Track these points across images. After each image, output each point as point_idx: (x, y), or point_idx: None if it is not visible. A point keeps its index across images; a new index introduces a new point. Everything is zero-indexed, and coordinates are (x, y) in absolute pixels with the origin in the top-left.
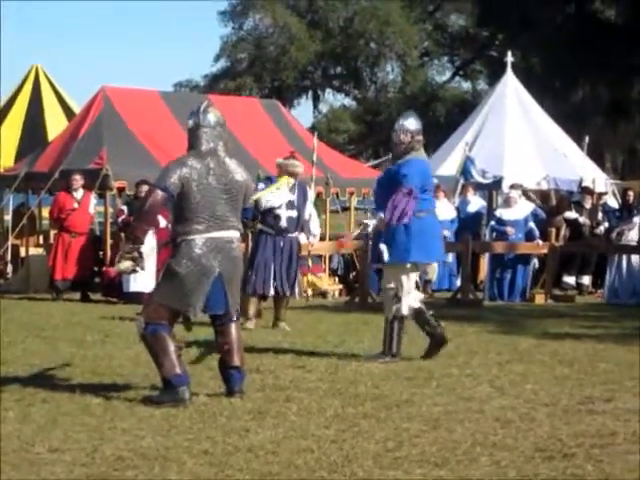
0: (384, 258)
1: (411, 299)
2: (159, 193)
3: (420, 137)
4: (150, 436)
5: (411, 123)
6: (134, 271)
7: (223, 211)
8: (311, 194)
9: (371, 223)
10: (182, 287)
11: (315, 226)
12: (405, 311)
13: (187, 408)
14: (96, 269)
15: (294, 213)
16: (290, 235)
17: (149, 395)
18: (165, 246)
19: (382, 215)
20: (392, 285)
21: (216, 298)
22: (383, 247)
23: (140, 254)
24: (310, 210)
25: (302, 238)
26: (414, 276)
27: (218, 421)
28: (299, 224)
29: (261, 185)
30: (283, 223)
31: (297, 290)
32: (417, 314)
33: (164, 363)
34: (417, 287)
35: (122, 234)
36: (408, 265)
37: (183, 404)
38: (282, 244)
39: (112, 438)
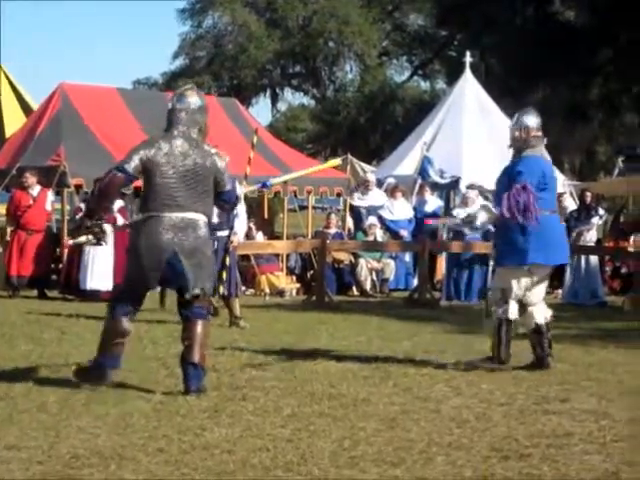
0: (498, 260)
1: (537, 312)
2: (117, 174)
3: (538, 133)
4: (106, 434)
5: (528, 119)
6: (98, 244)
7: (182, 194)
8: (241, 190)
9: (480, 216)
10: (137, 263)
11: (239, 224)
12: (512, 315)
13: (140, 405)
14: (53, 266)
15: (253, 187)
16: (222, 234)
17: (82, 369)
18: (122, 230)
19: (492, 208)
20: (499, 286)
21: (171, 275)
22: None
23: (102, 229)
24: (240, 206)
25: (236, 238)
26: (527, 280)
27: (174, 420)
28: (230, 220)
29: None
30: (214, 219)
31: (234, 288)
32: (536, 331)
33: (101, 343)
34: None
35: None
36: (526, 268)
37: (103, 381)
38: (216, 244)
39: (68, 436)
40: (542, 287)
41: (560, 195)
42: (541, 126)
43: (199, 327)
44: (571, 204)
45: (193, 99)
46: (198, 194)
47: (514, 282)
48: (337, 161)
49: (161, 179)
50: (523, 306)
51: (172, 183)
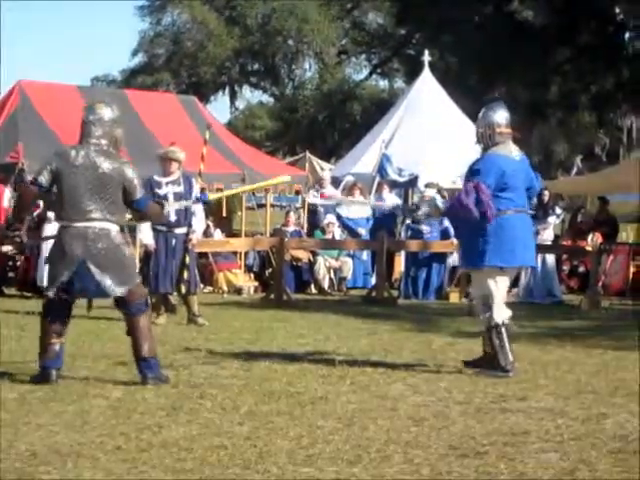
0: (462, 262)
1: (496, 310)
2: (30, 187)
3: (504, 130)
4: (64, 432)
5: (494, 115)
6: (19, 254)
7: (90, 204)
8: (197, 187)
9: (423, 208)
10: (53, 269)
11: (197, 222)
12: (499, 319)
13: (98, 403)
14: (10, 263)
15: (184, 203)
16: (180, 231)
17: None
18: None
19: (439, 203)
20: (479, 293)
21: (84, 283)
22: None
23: (21, 240)
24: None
25: (195, 236)
26: (503, 280)
27: (131, 417)
28: (188, 217)
29: None
30: (172, 217)
31: (193, 286)
32: (489, 329)
33: (40, 348)
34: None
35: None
36: (490, 269)
37: (48, 382)
38: (174, 242)
39: (26, 434)
40: (505, 288)
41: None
42: (509, 121)
43: (140, 322)
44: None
45: (105, 111)
46: (108, 203)
47: (492, 285)
48: (287, 177)
49: (70, 188)
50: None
51: (81, 192)
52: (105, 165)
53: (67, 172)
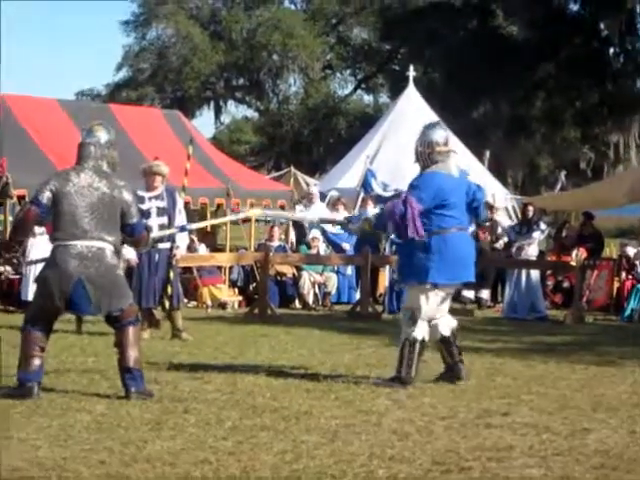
0: (400, 277)
1: (442, 324)
2: (32, 208)
3: (443, 148)
4: (47, 446)
5: (433, 134)
6: (16, 274)
7: (89, 223)
8: (180, 202)
9: (355, 221)
10: (45, 289)
11: (181, 238)
12: (419, 335)
13: (82, 417)
14: None
15: (165, 220)
16: (164, 246)
17: (8, 389)
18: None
19: (369, 216)
20: (408, 306)
21: (79, 301)
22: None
23: (19, 261)
24: (181, 218)
25: (179, 252)
26: (436, 298)
27: (116, 432)
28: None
29: None
30: (155, 233)
31: (176, 301)
32: (443, 342)
33: (20, 361)
34: (470, 314)
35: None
36: (427, 286)
37: (29, 397)
38: (157, 257)
39: (9, 448)
40: (447, 302)
41: (491, 210)
42: (448, 140)
43: (129, 332)
44: (505, 219)
45: (102, 134)
46: (105, 224)
47: (423, 301)
48: (259, 210)
49: (69, 209)
50: (428, 320)
51: (80, 213)
52: (104, 187)
53: (67, 192)
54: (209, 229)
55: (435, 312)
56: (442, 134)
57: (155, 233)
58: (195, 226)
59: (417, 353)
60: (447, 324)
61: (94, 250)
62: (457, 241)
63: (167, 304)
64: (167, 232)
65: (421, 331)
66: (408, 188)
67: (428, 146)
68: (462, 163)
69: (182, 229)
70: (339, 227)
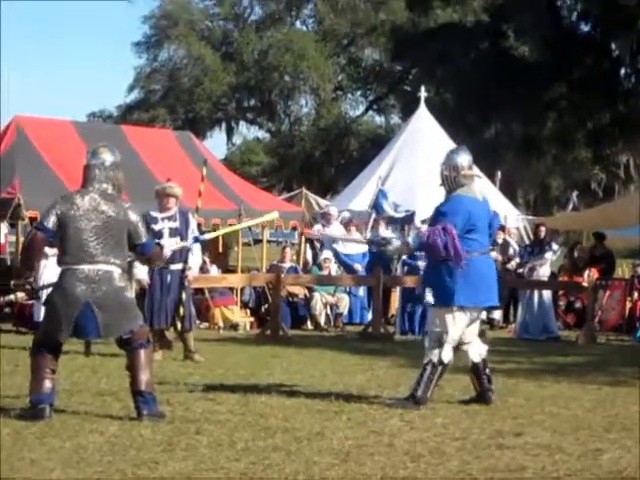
0: (428, 300)
1: (472, 351)
2: (37, 234)
3: (468, 172)
4: (59, 468)
5: (458, 158)
6: (31, 299)
7: (95, 247)
8: (193, 223)
9: (394, 243)
10: (53, 314)
11: (194, 259)
12: (445, 358)
13: (94, 439)
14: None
15: (177, 241)
16: (176, 267)
17: (20, 410)
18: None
19: (410, 240)
20: (436, 329)
21: (87, 325)
22: (427, 289)
23: (31, 286)
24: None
25: (191, 273)
26: (462, 321)
27: (128, 453)
28: (183, 253)
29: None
30: (167, 252)
31: (188, 322)
32: (473, 369)
33: (31, 383)
34: (481, 335)
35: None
36: (454, 308)
37: (42, 418)
38: (169, 278)
39: (21, 469)
40: (475, 326)
41: (502, 230)
42: (472, 164)
43: (141, 356)
44: (513, 243)
45: (107, 156)
46: (112, 246)
47: (450, 324)
48: (275, 214)
49: (75, 232)
50: (457, 345)
51: (86, 236)
52: (110, 209)
53: (73, 216)
54: (221, 250)
55: (462, 335)
56: (467, 158)
57: (168, 251)
58: (208, 236)
59: (438, 376)
60: (477, 351)
61: (101, 273)
62: (481, 264)
63: (179, 325)
64: (180, 244)
65: (447, 354)
66: (435, 213)
67: (454, 170)
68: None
69: (196, 240)
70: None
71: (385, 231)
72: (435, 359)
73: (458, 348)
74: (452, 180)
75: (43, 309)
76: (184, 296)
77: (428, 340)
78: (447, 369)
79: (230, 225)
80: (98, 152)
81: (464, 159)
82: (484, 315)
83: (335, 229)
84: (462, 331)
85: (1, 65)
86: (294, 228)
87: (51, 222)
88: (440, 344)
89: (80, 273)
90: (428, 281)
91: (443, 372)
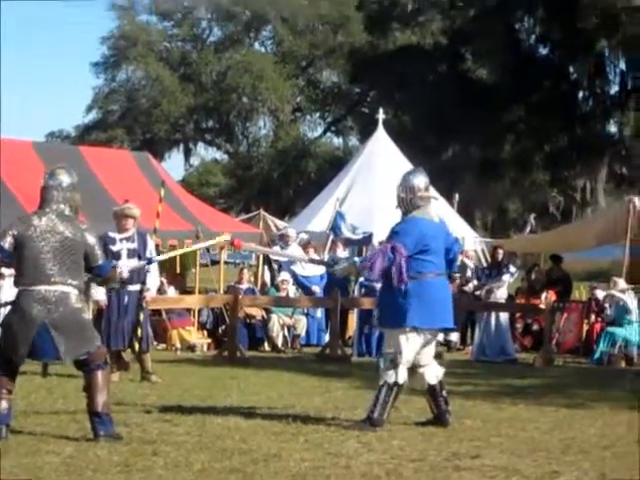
0: (379, 321)
1: (428, 373)
2: None
3: (424, 194)
4: None
5: (415, 179)
6: None
7: (52, 268)
8: (151, 244)
9: (341, 264)
10: (9, 335)
11: (152, 279)
12: (400, 379)
13: (50, 459)
14: None
15: (135, 262)
16: (133, 288)
17: None
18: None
19: (357, 260)
20: (390, 350)
21: (43, 346)
22: (376, 311)
23: None
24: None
25: (149, 294)
26: (416, 342)
27: (84, 474)
28: (141, 274)
29: None
30: (125, 274)
31: (146, 343)
32: (430, 391)
33: None
34: (439, 357)
35: None
36: (407, 329)
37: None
38: (127, 299)
39: None
40: (431, 348)
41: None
42: (429, 186)
43: (98, 377)
44: (470, 264)
45: (64, 177)
46: (68, 267)
47: (404, 345)
48: (226, 236)
49: (32, 253)
50: (414, 368)
51: (42, 257)
52: (67, 230)
53: (30, 237)
54: (178, 271)
55: (418, 357)
56: (423, 180)
57: (125, 273)
58: (162, 257)
59: (393, 397)
60: (434, 373)
61: (58, 294)
62: (435, 286)
63: (137, 346)
64: (136, 265)
65: (402, 375)
66: (390, 234)
67: (410, 191)
68: (439, 210)
69: (149, 261)
70: (314, 267)
71: (343, 253)
72: (390, 380)
73: (414, 370)
74: (408, 202)
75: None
76: (142, 317)
77: (383, 361)
78: (402, 390)
79: (187, 247)
80: (55, 173)
81: (420, 181)
82: (441, 337)
83: (294, 250)
84: (416, 352)
85: None
86: (251, 251)
87: (8, 242)
88: (395, 365)
89: (37, 294)
90: (382, 302)
91: (398, 393)
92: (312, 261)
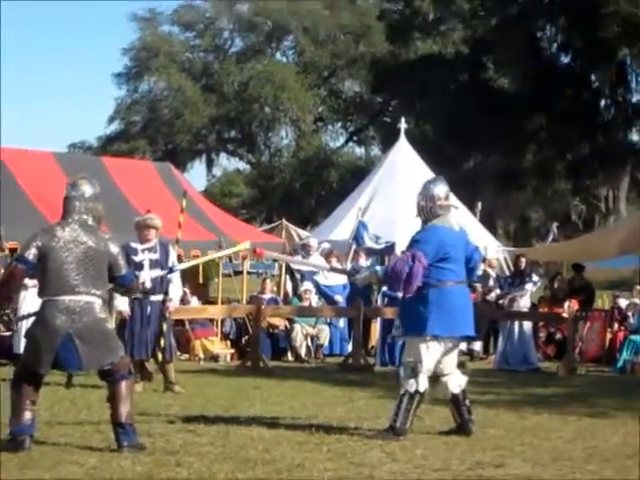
0: (400, 331)
1: (451, 382)
2: (18, 266)
3: (444, 202)
4: None
5: (435, 188)
6: (9, 330)
7: (76, 278)
8: (173, 254)
9: (362, 272)
10: (34, 346)
11: (175, 289)
12: (421, 388)
13: (74, 470)
14: None
15: (158, 272)
16: (156, 298)
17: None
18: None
19: (378, 269)
20: (411, 359)
21: (67, 357)
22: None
23: (9, 318)
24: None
25: (172, 304)
26: (436, 350)
27: None
28: (164, 284)
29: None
30: (148, 284)
31: (169, 354)
32: (453, 400)
33: (12, 414)
34: (461, 366)
35: None
36: (427, 338)
37: (22, 449)
38: (149, 309)
39: None
40: (453, 357)
41: (482, 262)
42: (449, 194)
43: (122, 387)
44: (492, 273)
45: (86, 187)
46: (92, 277)
47: (424, 353)
48: (246, 244)
49: (56, 264)
50: (436, 377)
51: (66, 268)
52: (90, 240)
53: (53, 248)
54: (201, 281)
55: (440, 366)
56: (443, 189)
57: (148, 284)
58: (184, 266)
59: (415, 406)
60: (457, 382)
61: (82, 304)
62: (455, 294)
63: (160, 357)
64: (159, 273)
65: (423, 384)
66: (411, 242)
67: (430, 200)
68: (459, 219)
69: (171, 270)
70: (336, 277)
71: (365, 262)
72: (411, 389)
73: (437, 379)
74: (428, 210)
75: (23, 340)
76: (165, 327)
77: (403, 370)
78: (424, 399)
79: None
80: (78, 184)
81: (441, 189)
82: (464, 346)
83: (316, 260)
84: (437, 361)
85: None
86: (274, 260)
87: (31, 254)
88: (415, 374)
89: (61, 304)
90: (403, 311)
91: (420, 402)
92: (333, 269)
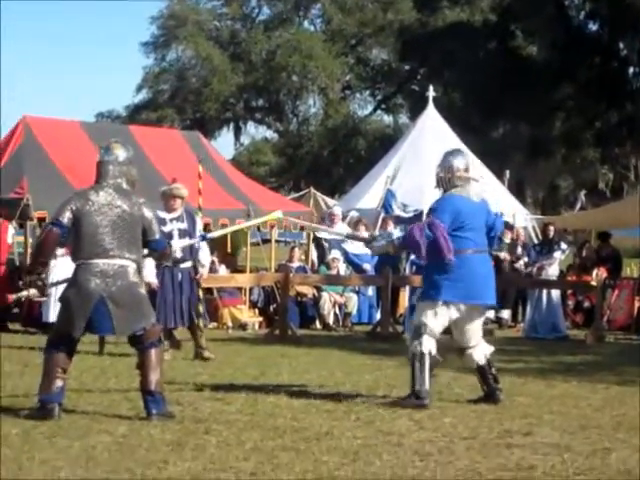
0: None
1: (477, 352)
2: (53, 229)
3: (463, 174)
4: (68, 467)
5: (454, 160)
6: (42, 297)
7: (110, 242)
8: (199, 222)
9: (379, 240)
10: (67, 310)
11: (205, 256)
12: (425, 349)
13: (103, 439)
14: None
15: (187, 241)
16: (186, 265)
17: (29, 410)
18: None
19: (394, 239)
20: (415, 321)
21: (100, 320)
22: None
23: (44, 283)
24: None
25: (205, 270)
26: (445, 316)
27: (137, 453)
28: (193, 252)
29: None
30: (177, 253)
31: (202, 319)
32: (479, 370)
33: (41, 382)
34: (489, 334)
35: None
36: (439, 303)
37: (51, 418)
38: (180, 277)
39: (30, 469)
40: (478, 327)
41: (510, 230)
42: (469, 167)
43: (152, 355)
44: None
45: (120, 151)
46: (127, 242)
47: (430, 317)
48: (279, 213)
49: (90, 228)
50: (462, 349)
51: (101, 232)
52: (125, 204)
53: (87, 212)
54: (229, 250)
55: (466, 338)
56: (463, 161)
57: (178, 253)
58: (215, 234)
59: (427, 366)
60: (482, 352)
61: (116, 268)
62: (474, 261)
63: (199, 322)
64: (190, 241)
65: (426, 344)
66: (428, 211)
67: (448, 171)
68: (482, 188)
69: (203, 238)
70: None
71: (394, 231)
72: (416, 350)
73: (463, 352)
74: (446, 181)
75: (53, 309)
76: (201, 294)
77: (408, 333)
78: (435, 360)
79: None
80: (111, 148)
81: (460, 161)
82: (492, 314)
83: (340, 229)
84: (443, 326)
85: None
86: (302, 228)
87: (66, 218)
88: (418, 335)
89: (94, 267)
90: (424, 277)
91: (431, 362)
92: (350, 237)
